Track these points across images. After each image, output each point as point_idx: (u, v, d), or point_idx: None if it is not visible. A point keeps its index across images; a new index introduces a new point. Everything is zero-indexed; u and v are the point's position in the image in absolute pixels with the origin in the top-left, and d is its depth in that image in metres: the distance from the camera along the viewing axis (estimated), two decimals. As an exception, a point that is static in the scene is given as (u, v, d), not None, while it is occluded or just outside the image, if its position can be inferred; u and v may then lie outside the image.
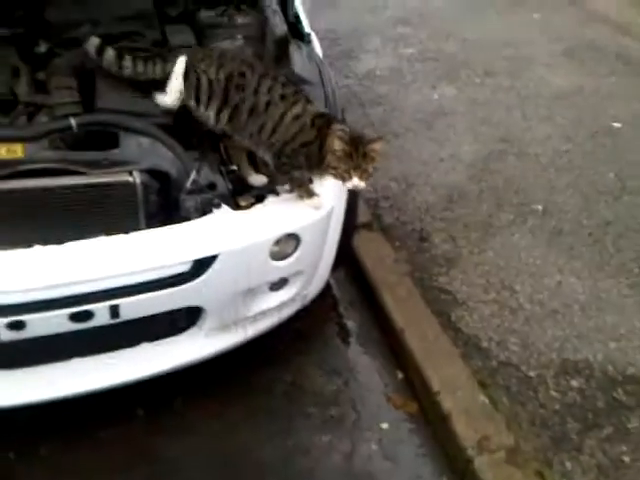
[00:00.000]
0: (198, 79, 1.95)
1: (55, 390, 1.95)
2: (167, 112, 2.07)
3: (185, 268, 1.87)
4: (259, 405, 2.25)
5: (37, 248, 1.76)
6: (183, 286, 1.87)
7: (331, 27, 4.62)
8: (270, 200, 2.00)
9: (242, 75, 1.92)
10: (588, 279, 2.66)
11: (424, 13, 5.00)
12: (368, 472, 2.08)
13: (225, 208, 1.93)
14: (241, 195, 2.01)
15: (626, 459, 2.01)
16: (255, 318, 2.15)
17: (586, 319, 2.48)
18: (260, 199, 2.00)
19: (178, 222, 1.91)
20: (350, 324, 2.60)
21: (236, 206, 1.97)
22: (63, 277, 1.74)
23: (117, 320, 1.84)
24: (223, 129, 1.98)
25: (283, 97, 1.90)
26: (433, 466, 2.11)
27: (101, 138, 1.93)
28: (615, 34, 4.77)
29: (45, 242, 1.76)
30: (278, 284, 2.13)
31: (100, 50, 1.99)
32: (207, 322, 2.03)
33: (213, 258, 1.88)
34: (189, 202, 1.93)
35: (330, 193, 2.04)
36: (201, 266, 1.88)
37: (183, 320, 2.04)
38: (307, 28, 2.50)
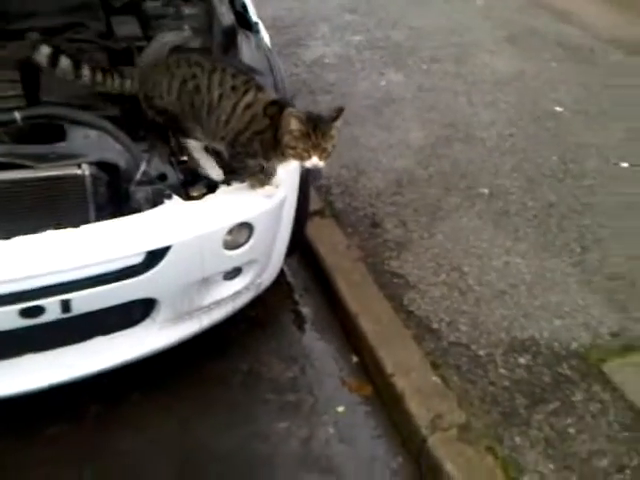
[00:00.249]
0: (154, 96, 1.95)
1: (7, 387, 1.92)
2: (114, 103, 2.06)
3: (138, 260, 1.86)
4: (216, 395, 2.25)
5: (-16, 243, 1.73)
6: (136, 278, 1.86)
7: (278, 15, 4.62)
8: (222, 190, 2.00)
9: (194, 77, 1.91)
10: (534, 259, 2.75)
11: (370, 1, 5.04)
12: (326, 456, 2.12)
13: (176, 199, 1.93)
14: (192, 185, 2.00)
15: (571, 431, 2.09)
16: (210, 308, 2.15)
17: (532, 298, 2.56)
18: (212, 189, 2.00)
19: (129, 214, 1.90)
20: (305, 310, 2.63)
21: (187, 196, 1.96)
22: (12, 272, 1.72)
23: (69, 314, 1.82)
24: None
25: (234, 88, 1.89)
26: (388, 446, 2.16)
27: (47, 131, 1.90)
28: (556, 21, 4.90)
29: (-8, 237, 1.73)
30: (232, 273, 2.14)
31: (54, 59, 1.91)
32: (161, 313, 2.03)
33: (166, 249, 1.87)
34: (140, 193, 1.92)
35: (282, 181, 2.06)
36: (154, 257, 1.87)
37: (137, 312, 2.03)
38: (254, 17, 2.49)
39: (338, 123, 1.84)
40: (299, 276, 2.77)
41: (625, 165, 3.35)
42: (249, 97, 1.90)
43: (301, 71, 4.04)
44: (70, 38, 2.25)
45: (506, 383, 2.24)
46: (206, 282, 2.07)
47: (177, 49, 2.28)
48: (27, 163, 1.81)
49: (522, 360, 2.32)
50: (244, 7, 2.48)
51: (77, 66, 1.93)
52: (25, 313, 1.76)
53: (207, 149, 2.03)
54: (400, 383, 2.20)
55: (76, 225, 1.81)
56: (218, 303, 2.16)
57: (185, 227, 1.92)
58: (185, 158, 2.05)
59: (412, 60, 4.25)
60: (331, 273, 2.64)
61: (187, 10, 2.60)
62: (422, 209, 3.01)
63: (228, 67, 1.94)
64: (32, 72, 2.04)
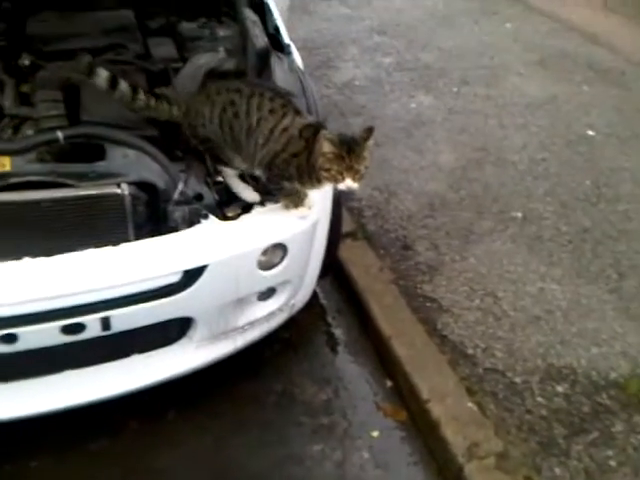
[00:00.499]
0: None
1: (48, 403, 1.93)
2: (152, 124, 2.07)
3: (175, 279, 1.86)
4: (250, 416, 2.24)
5: (26, 261, 1.74)
6: (173, 297, 1.87)
7: (309, 36, 4.66)
8: (257, 210, 2.00)
9: (232, 104, 1.92)
10: (569, 285, 2.71)
11: (400, 23, 5.06)
12: (360, 480, 2.09)
13: (212, 219, 1.93)
14: (228, 206, 2.01)
15: (612, 463, 2.04)
16: (244, 329, 2.15)
17: (568, 325, 2.52)
18: (247, 209, 2.00)
19: (166, 233, 1.90)
20: (338, 332, 2.61)
21: (223, 217, 1.97)
22: (53, 290, 1.73)
23: (108, 332, 1.83)
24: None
25: (272, 111, 1.90)
26: (424, 474, 2.13)
27: (87, 150, 1.92)
28: (586, 44, 4.88)
29: (34, 255, 1.75)
30: (266, 294, 2.14)
31: (113, 82, 1.94)
32: (198, 333, 2.03)
33: (202, 268, 1.88)
34: (177, 213, 1.93)
35: (315, 203, 2.05)
36: (191, 277, 1.87)
37: (174, 331, 2.03)
38: (286, 39, 2.51)
39: (370, 143, 1.84)
40: (332, 298, 2.75)
41: (660, 190, 3.30)
42: (287, 120, 1.90)
43: (332, 93, 4.06)
44: (111, 59, 2.28)
45: (544, 412, 2.19)
46: (241, 302, 2.07)
47: (212, 72, 2.31)
48: (68, 182, 1.83)
49: (560, 388, 2.27)
50: (276, 29, 2.50)
51: (135, 91, 1.96)
52: (67, 330, 1.78)
53: (243, 176, 2.04)
54: (436, 409, 2.16)
55: (115, 243, 1.83)
56: (252, 324, 2.16)
57: (221, 247, 1.93)
58: (221, 179, 2.06)
59: (442, 82, 4.25)
60: (364, 295, 2.62)
61: (222, 32, 2.64)
62: (454, 232, 2.98)
63: (266, 91, 1.95)
64: (73, 92, 2.06)
